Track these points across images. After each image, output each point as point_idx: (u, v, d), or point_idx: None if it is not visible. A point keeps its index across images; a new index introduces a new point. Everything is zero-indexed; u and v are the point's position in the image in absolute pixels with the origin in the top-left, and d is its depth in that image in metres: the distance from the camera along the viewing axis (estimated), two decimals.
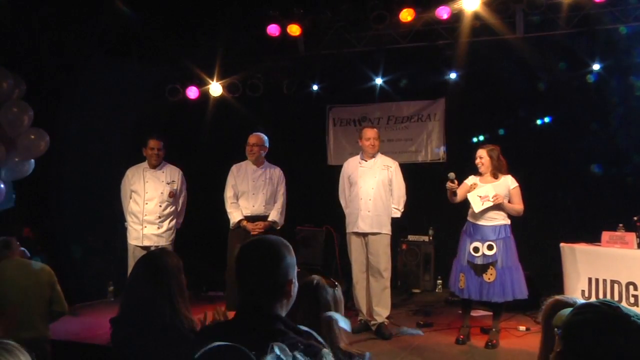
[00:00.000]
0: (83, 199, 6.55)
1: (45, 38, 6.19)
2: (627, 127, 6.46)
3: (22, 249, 5.12)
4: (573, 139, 6.78)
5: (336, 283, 2.44)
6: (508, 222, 4.98)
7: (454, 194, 4.99)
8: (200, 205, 6.58)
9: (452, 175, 4.93)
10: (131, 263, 5.41)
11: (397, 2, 6.21)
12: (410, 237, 7.57)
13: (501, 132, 7.00)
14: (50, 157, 5.75)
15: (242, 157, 5.74)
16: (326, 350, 1.50)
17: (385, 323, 5.30)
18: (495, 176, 5.00)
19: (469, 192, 5.00)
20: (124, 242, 5.72)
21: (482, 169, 5.04)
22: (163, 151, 5.67)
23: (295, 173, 6.56)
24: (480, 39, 6.44)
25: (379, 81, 7.75)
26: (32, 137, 5.48)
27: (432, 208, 6.97)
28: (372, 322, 5.33)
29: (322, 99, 8.11)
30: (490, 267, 4.83)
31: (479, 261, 4.88)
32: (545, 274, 6.20)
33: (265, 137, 5.71)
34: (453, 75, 7.36)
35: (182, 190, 5.80)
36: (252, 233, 5.37)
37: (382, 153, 5.56)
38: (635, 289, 4.70)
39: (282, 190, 5.71)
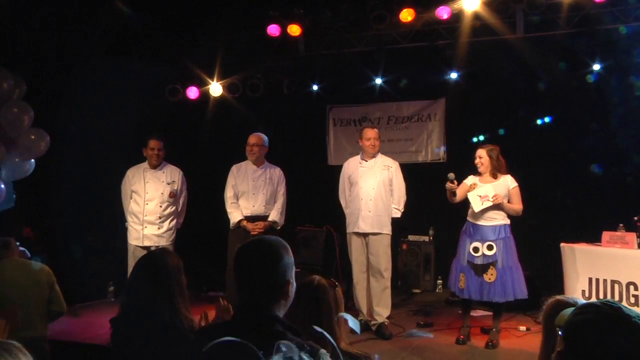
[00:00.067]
0: (83, 199, 6.55)
1: (45, 38, 6.18)
2: (627, 127, 6.46)
3: (23, 249, 5.13)
4: (573, 139, 6.78)
5: (336, 283, 2.45)
6: (508, 222, 4.98)
7: (454, 194, 4.99)
8: (200, 206, 6.58)
9: (451, 175, 4.94)
10: (131, 263, 5.41)
11: (397, 2, 6.21)
12: (411, 237, 7.57)
13: (501, 132, 7.00)
14: (50, 157, 5.75)
15: (243, 157, 5.74)
16: (323, 351, 1.50)
17: (386, 323, 5.30)
18: (494, 176, 5.00)
19: (468, 192, 5.00)
20: (124, 242, 5.72)
21: (481, 169, 5.04)
22: (163, 151, 5.67)
23: (296, 173, 6.56)
24: (481, 39, 6.44)
25: (379, 81, 7.74)
26: (33, 137, 5.48)
27: (432, 208, 6.97)
28: (373, 322, 5.33)
29: (323, 99, 8.11)
30: (491, 267, 4.83)
31: (478, 261, 4.88)
32: (546, 274, 6.20)
33: (266, 137, 5.71)
34: (453, 75, 7.36)
35: (183, 191, 5.81)
36: (252, 233, 5.37)
37: (382, 153, 5.56)
38: (636, 289, 4.70)
39: (282, 190, 5.71)
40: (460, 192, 5.01)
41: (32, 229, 6.26)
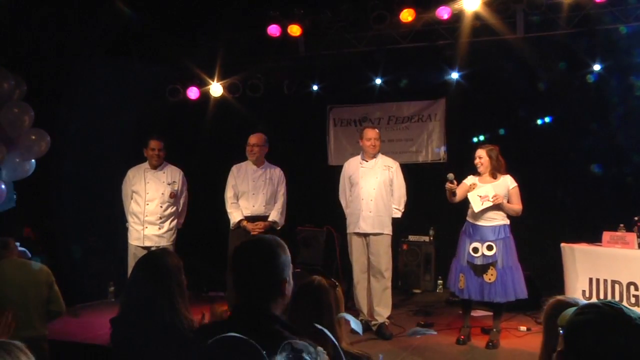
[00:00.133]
0: (84, 200, 6.55)
1: (45, 38, 6.18)
2: (627, 127, 6.46)
3: (23, 249, 5.14)
4: (573, 139, 6.78)
5: (336, 283, 2.45)
6: (507, 222, 4.98)
7: (453, 194, 4.99)
8: (200, 206, 6.59)
9: (451, 176, 4.94)
10: (132, 263, 5.40)
11: (397, 2, 6.21)
12: (411, 237, 7.56)
13: (501, 132, 7.00)
14: (51, 157, 5.75)
15: (243, 158, 5.74)
16: (320, 349, 1.51)
17: (386, 323, 5.30)
18: (494, 176, 5.00)
19: (468, 192, 5.00)
20: (125, 243, 5.72)
21: (481, 169, 5.04)
22: (164, 152, 5.67)
23: (296, 173, 6.56)
24: (481, 39, 6.45)
25: (379, 81, 7.74)
26: (33, 137, 5.48)
27: (432, 208, 6.97)
28: (373, 322, 5.33)
29: (323, 99, 8.11)
30: (491, 267, 4.83)
31: (478, 261, 4.88)
32: (546, 274, 6.20)
33: (266, 137, 5.71)
34: (454, 76, 7.36)
35: (183, 191, 5.81)
36: (252, 233, 5.37)
37: (382, 153, 5.57)
38: (636, 289, 4.70)
39: (282, 190, 5.71)
40: (460, 192, 5.01)
41: (32, 229, 6.26)
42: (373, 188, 5.35)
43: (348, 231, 5.52)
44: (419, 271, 7.43)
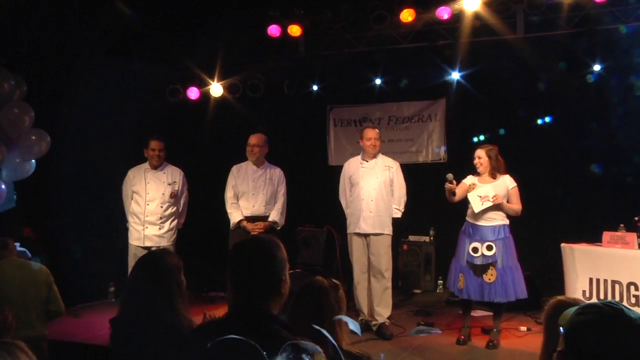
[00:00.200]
0: (84, 200, 6.55)
1: (45, 38, 6.18)
2: (627, 127, 6.46)
3: (23, 249, 5.15)
4: (573, 139, 6.78)
5: (338, 285, 2.44)
6: (507, 222, 4.98)
7: (453, 193, 4.99)
8: (201, 206, 6.59)
9: (450, 176, 4.94)
10: (132, 264, 5.38)
11: (397, 3, 6.21)
12: (411, 238, 7.56)
13: (501, 132, 7.01)
14: (51, 157, 5.75)
15: (243, 158, 5.74)
16: (317, 348, 1.52)
17: (387, 323, 5.30)
18: (493, 176, 5.00)
19: (468, 192, 5.00)
20: (125, 243, 5.72)
21: (480, 169, 5.04)
22: (164, 152, 5.68)
23: (296, 173, 6.56)
24: (481, 39, 6.45)
25: (379, 81, 7.75)
26: (33, 137, 5.48)
27: (433, 208, 6.97)
28: (373, 323, 5.33)
29: (323, 99, 8.11)
30: (491, 267, 4.83)
31: (478, 261, 4.88)
32: (546, 274, 6.20)
33: (266, 138, 5.71)
34: (454, 76, 7.36)
35: (184, 191, 5.81)
36: (252, 233, 5.37)
37: (382, 153, 5.57)
38: (636, 289, 4.70)
39: (282, 190, 5.71)
40: (459, 192, 5.01)
41: (32, 229, 6.27)
42: (373, 188, 5.35)
43: (348, 231, 5.52)
44: (419, 271, 7.43)
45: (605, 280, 4.88)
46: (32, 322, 3.76)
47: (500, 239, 4.89)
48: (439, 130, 7.78)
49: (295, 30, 6.67)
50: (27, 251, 5.34)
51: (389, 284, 5.38)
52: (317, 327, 1.75)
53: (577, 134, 6.77)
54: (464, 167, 5.33)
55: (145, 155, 5.66)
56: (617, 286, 4.81)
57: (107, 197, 6.21)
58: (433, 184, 6.04)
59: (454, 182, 4.95)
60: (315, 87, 7.90)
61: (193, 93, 7.53)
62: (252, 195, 5.61)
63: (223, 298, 6.25)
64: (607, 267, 4.89)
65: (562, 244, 5.20)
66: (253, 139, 5.64)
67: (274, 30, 6.69)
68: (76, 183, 6.48)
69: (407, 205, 5.52)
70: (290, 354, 1.39)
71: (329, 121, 8.34)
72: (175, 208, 5.71)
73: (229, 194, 5.68)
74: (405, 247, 7.49)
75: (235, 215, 5.59)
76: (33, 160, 5.67)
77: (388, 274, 5.35)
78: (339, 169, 5.85)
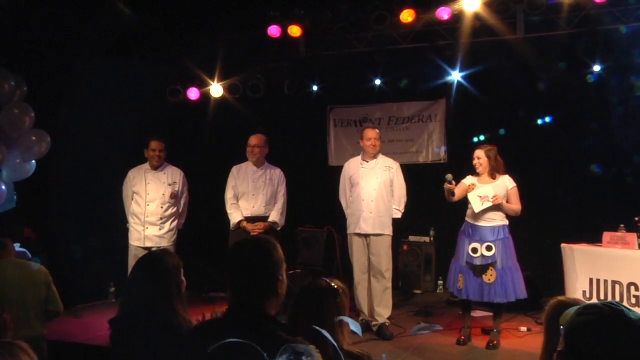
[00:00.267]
0: (84, 200, 6.55)
1: (45, 38, 6.18)
2: (627, 127, 6.46)
3: (24, 249, 5.15)
4: (573, 139, 6.78)
5: (339, 288, 2.43)
6: (506, 222, 4.98)
7: (452, 193, 4.99)
8: (201, 206, 6.58)
9: (449, 176, 4.94)
10: (132, 264, 5.38)
11: (397, 3, 6.21)
12: (411, 238, 7.56)
13: (501, 132, 7.01)
14: (51, 158, 5.76)
15: (243, 158, 5.74)
16: (311, 347, 1.52)
17: (387, 323, 5.30)
18: (493, 176, 5.00)
19: (467, 192, 5.00)
20: (125, 243, 5.73)
21: (479, 169, 5.04)
22: (164, 152, 5.68)
23: (296, 174, 6.56)
24: (481, 39, 6.45)
25: (379, 82, 7.75)
26: (33, 138, 5.48)
27: (433, 209, 6.97)
28: (374, 323, 5.33)
29: (323, 99, 8.11)
30: (490, 267, 4.83)
31: (477, 262, 4.88)
32: (546, 274, 6.20)
33: (266, 138, 5.71)
34: (454, 76, 7.36)
35: (184, 192, 5.82)
36: (252, 234, 5.37)
37: (382, 154, 5.57)
38: (637, 289, 4.71)
39: (282, 191, 5.71)
40: (458, 192, 5.01)
41: (33, 229, 6.27)
42: (373, 189, 5.35)
43: (348, 231, 5.52)
44: (419, 271, 7.43)
45: (606, 281, 4.89)
46: (31, 322, 3.78)
47: (500, 239, 4.89)
48: (439, 131, 7.78)
49: (295, 30, 6.67)
50: (27, 251, 5.34)
51: (389, 284, 5.38)
52: (317, 327, 1.76)
53: (577, 134, 6.77)
54: (464, 167, 5.33)
55: (145, 155, 5.66)
56: (617, 286, 4.81)
57: (107, 198, 6.21)
58: (433, 184, 6.02)
59: (453, 182, 4.95)
60: (315, 88, 7.90)
61: (193, 93, 7.53)
62: (252, 195, 5.61)
63: (223, 298, 6.24)
64: (607, 268, 4.90)
65: (562, 244, 5.20)
66: (253, 140, 5.64)
67: (274, 30, 6.69)
68: (76, 183, 6.48)
69: (407, 206, 5.52)
70: (285, 354, 1.40)
71: (329, 121, 8.34)
72: (175, 208, 5.71)
73: (228, 195, 5.67)
74: (405, 247, 7.49)
75: (235, 215, 5.59)
76: (33, 161, 5.67)
77: (388, 274, 5.36)
78: (339, 169, 5.85)
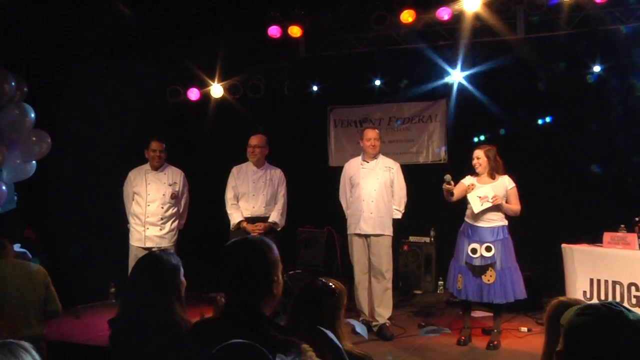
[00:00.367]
0: (84, 201, 6.55)
1: (45, 38, 6.19)
2: (627, 127, 6.47)
3: (24, 250, 5.15)
4: (573, 139, 6.78)
5: (335, 286, 2.43)
6: (506, 223, 4.98)
7: (451, 194, 4.99)
8: (201, 207, 6.58)
9: (448, 177, 4.94)
10: (132, 264, 5.40)
11: (397, 3, 6.21)
12: (412, 238, 7.56)
13: (502, 132, 7.01)
14: (51, 158, 5.76)
15: (243, 159, 5.74)
16: (306, 346, 1.53)
17: (387, 324, 5.30)
18: (492, 176, 5.00)
19: (467, 192, 5.00)
20: (126, 244, 5.73)
21: (479, 170, 5.04)
22: (165, 153, 5.69)
23: (296, 174, 6.55)
24: (481, 39, 6.45)
25: (379, 82, 7.74)
26: (34, 138, 5.48)
27: (433, 209, 6.96)
28: (374, 323, 5.33)
29: (323, 100, 8.11)
30: (490, 268, 4.83)
31: (477, 262, 4.88)
32: (546, 274, 6.19)
33: (267, 139, 5.71)
34: (454, 76, 7.35)
35: (184, 192, 5.82)
36: (252, 234, 5.37)
37: (383, 154, 5.57)
38: (637, 289, 4.71)
39: (282, 191, 5.71)
40: (457, 192, 5.01)
41: (33, 230, 6.26)
42: (374, 189, 5.35)
43: (349, 232, 5.52)
44: (419, 272, 7.43)
45: (606, 281, 4.89)
46: (30, 322, 3.80)
47: (499, 240, 4.89)
48: (439, 131, 7.78)
49: (295, 31, 6.67)
50: (28, 252, 5.34)
51: (390, 285, 5.38)
52: (322, 329, 1.76)
53: (577, 134, 6.77)
54: (464, 167, 5.33)
55: (145, 156, 5.67)
56: (617, 287, 4.81)
57: (107, 198, 6.21)
58: (433, 184, 6.01)
59: (452, 183, 4.95)
60: (315, 88, 7.89)
61: (193, 94, 7.53)
62: (252, 196, 5.61)
63: (221, 296, 6.24)
64: (608, 268, 4.90)
65: (563, 245, 5.20)
66: (254, 140, 5.64)
67: (274, 31, 6.69)
68: (77, 184, 6.48)
69: (407, 206, 5.52)
70: (278, 354, 1.40)
71: (329, 122, 8.34)
72: (176, 209, 5.71)
73: (229, 195, 5.68)
74: (405, 247, 7.49)
75: (235, 216, 5.59)
76: (33, 162, 5.68)
77: (389, 275, 5.36)
78: (339, 170, 5.85)
